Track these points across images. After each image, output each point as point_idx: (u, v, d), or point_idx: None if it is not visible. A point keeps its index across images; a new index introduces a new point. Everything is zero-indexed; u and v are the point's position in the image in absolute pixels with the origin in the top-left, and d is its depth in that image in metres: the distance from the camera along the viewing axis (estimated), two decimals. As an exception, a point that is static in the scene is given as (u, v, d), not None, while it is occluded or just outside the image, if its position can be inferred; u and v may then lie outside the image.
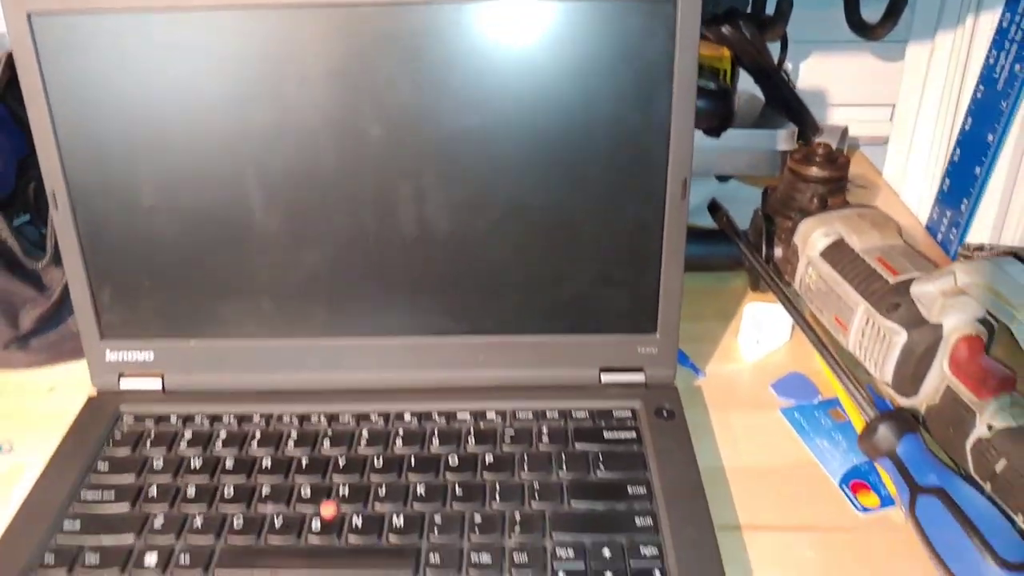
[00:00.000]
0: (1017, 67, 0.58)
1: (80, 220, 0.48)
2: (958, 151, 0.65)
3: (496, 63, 0.45)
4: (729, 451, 0.49)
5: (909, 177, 0.75)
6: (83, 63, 0.45)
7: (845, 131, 0.73)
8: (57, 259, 0.55)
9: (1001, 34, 0.60)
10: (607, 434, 0.47)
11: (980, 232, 0.67)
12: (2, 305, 0.54)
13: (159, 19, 0.44)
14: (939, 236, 0.69)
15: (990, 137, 0.61)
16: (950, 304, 0.45)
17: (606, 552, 0.40)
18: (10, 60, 0.56)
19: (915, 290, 0.48)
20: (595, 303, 0.49)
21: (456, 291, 0.49)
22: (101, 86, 0.45)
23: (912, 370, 0.47)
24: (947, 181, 0.67)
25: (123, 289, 0.49)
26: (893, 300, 0.49)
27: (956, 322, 0.45)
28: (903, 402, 0.49)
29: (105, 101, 0.45)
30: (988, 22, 0.62)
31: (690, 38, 0.43)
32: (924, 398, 0.48)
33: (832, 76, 0.81)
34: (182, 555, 0.41)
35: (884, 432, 0.45)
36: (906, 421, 0.45)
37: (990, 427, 0.43)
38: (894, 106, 0.77)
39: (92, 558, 0.41)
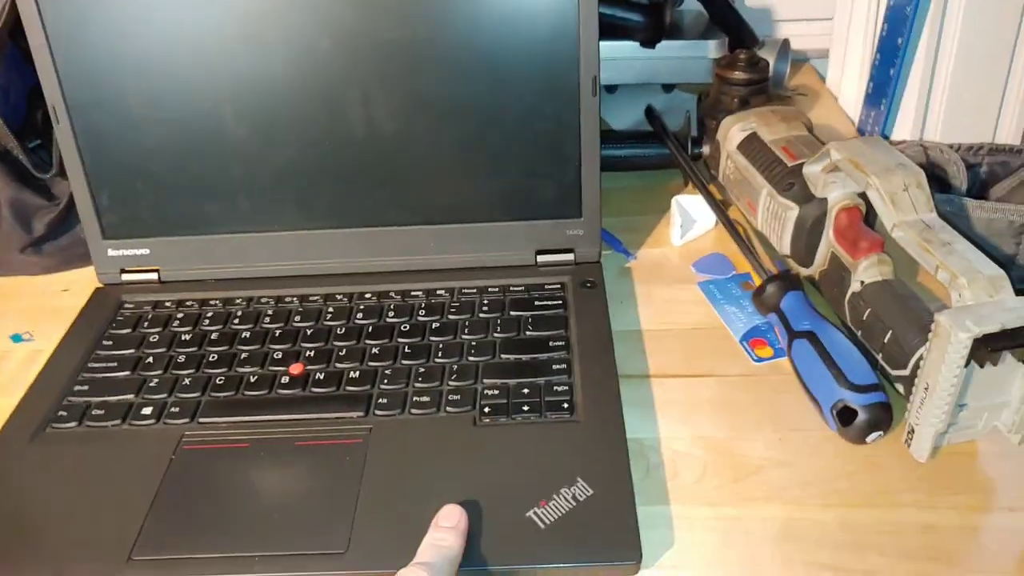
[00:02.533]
0: (919, -28, 0.63)
1: (78, 131, 0.55)
2: (877, 56, 0.70)
3: (426, -22, 0.51)
4: (648, 317, 0.56)
5: (845, 84, 0.80)
6: (70, -9, 0.52)
7: (785, 43, 0.79)
8: (63, 171, 0.62)
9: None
10: (538, 303, 0.54)
11: (903, 131, 0.72)
12: (17, 213, 0.62)
13: (133, -51, 0.51)
14: (866, 134, 0.74)
15: (899, 40, 0.66)
16: (830, 180, 0.52)
17: (525, 390, 0.48)
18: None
19: (806, 170, 0.54)
20: (527, 193, 0.56)
21: (406, 185, 0.56)
22: (92, 10, 0.52)
23: (805, 240, 0.54)
24: (870, 84, 0.72)
25: (120, 193, 0.57)
26: (789, 181, 0.55)
27: (836, 195, 0.52)
28: (803, 272, 0.56)
29: (95, 23, 0.52)
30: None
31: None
32: (817, 266, 0.54)
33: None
34: (173, 407, 0.49)
35: (771, 290, 0.52)
36: (791, 281, 0.52)
37: (861, 283, 0.49)
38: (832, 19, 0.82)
39: (98, 412, 0.49)
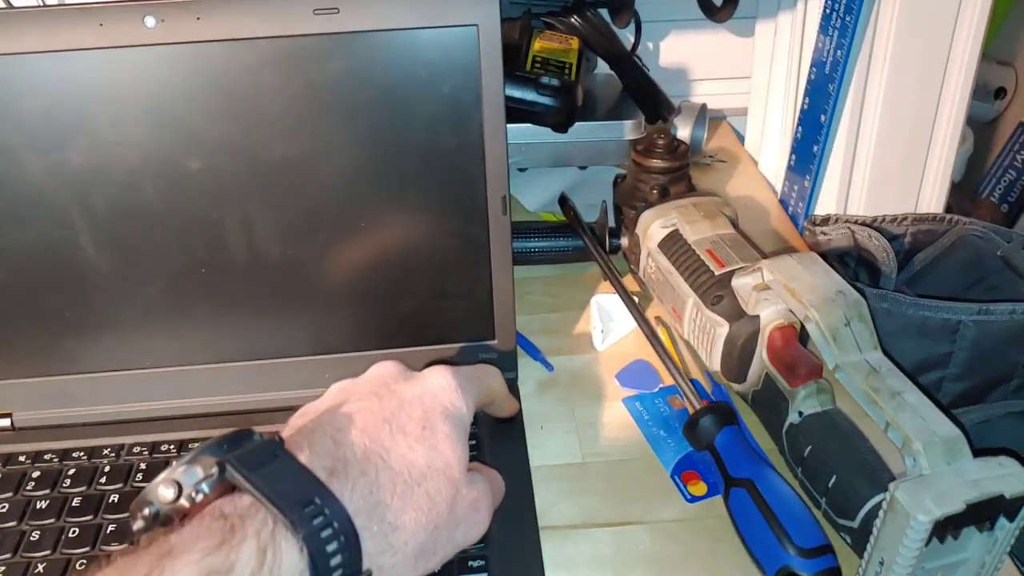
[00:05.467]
0: (838, 53, 0.60)
1: None
2: (800, 129, 0.67)
3: (308, 93, 0.45)
4: (571, 447, 0.51)
5: (765, 149, 0.77)
6: None
7: (703, 109, 0.75)
8: None
9: (825, 19, 0.62)
10: (449, 443, 0.49)
11: (827, 203, 0.70)
12: None
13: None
14: (789, 208, 0.71)
15: (822, 117, 0.63)
16: (762, 297, 0.48)
17: (438, 565, 0.42)
18: None
19: (735, 283, 0.50)
20: (435, 316, 0.51)
21: (296, 314, 0.50)
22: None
23: (736, 359, 0.50)
24: (793, 157, 0.69)
25: (-45, 334, 0.49)
26: (717, 292, 0.51)
27: (770, 314, 0.48)
28: (736, 388, 0.52)
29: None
30: (816, 7, 0.63)
31: (494, 61, 0.44)
32: (750, 384, 0.50)
33: (691, 53, 0.83)
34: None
35: (704, 425, 0.47)
36: (725, 414, 0.48)
37: (800, 413, 0.46)
38: (750, 79, 0.79)
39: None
